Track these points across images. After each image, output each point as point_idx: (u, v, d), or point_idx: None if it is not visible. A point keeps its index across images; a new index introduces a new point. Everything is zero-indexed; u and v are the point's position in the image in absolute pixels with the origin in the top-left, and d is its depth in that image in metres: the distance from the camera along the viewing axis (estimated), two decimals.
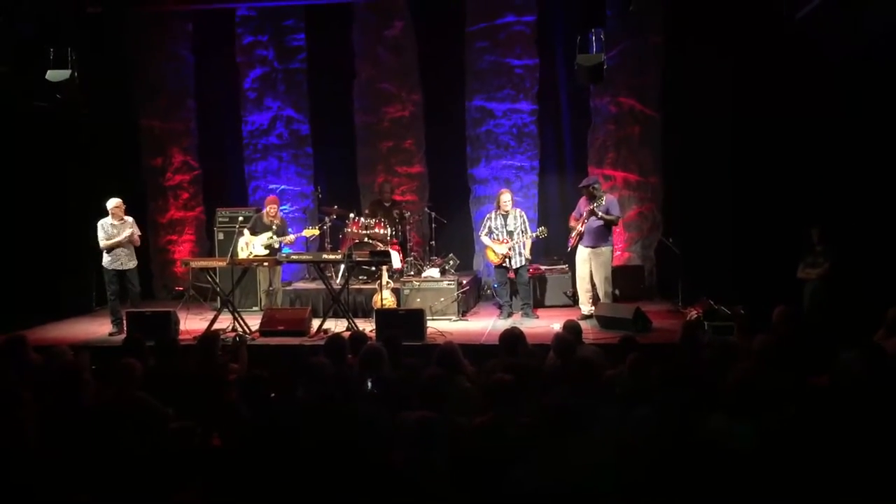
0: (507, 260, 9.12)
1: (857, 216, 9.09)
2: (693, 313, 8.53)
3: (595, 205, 8.91)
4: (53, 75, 8.59)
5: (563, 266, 10.30)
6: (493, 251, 9.18)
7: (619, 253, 10.35)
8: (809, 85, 9.46)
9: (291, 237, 10.02)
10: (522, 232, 9.07)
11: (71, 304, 10.39)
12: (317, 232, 10.23)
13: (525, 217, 9.30)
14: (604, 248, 9.03)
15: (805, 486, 3.49)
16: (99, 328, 9.27)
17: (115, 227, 8.98)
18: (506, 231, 9.14)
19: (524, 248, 9.17)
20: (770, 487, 3.50)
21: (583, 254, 9.11)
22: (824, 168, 9.41)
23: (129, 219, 9.13)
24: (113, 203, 9.00)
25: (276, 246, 9.55)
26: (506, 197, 9.26)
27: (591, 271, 9.08)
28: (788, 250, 8.93)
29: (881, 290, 6.80)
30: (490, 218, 9.31)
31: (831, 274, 8.45)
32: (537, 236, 9.09)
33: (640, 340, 6.12)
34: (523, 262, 9.18)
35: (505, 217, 9.18)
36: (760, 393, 4.00)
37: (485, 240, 9.29)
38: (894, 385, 4.28)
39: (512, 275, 9.28)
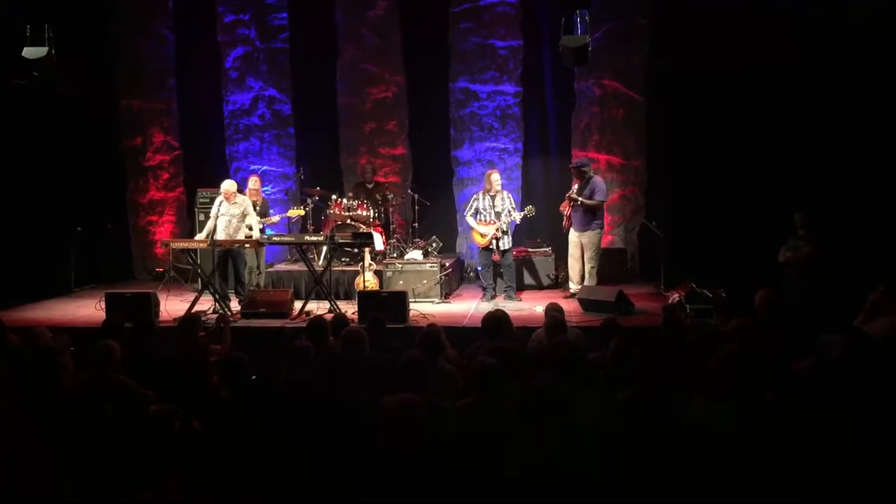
0: (493, 241, 9.08)
1: (839, 201, 9.16)
2: (675, 296, 8.56)
3: (575, 190, 8.96)
4: (30, 52, 8.45)
5: (547, 249, 10.31)
6: (479, 233, 9.15)
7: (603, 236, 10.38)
8: (797, 70, 9.51)
9: (276, 218, 9.98)
10: (509, 213, 9.05)
11: (50, 285, 10.27)
12: (302, 212, 10.19)
13: (511, 198, 9.27)
14: (590, 231, 9.11)
15: (786, 470, 3.50)
16: (77, 309, 9.18)
17: (225, 208, 8.89)
18: (493, 212, 9.09)
19: (510, 229, 9.17)
20: (751, 471, 3.51)
21: (573, 237, 9.24)
22: (808, 153, 9.48)
23: (241, 198, 9.01)
24: (222, 186, 8.89)
25: (260, 227, 9.45)
26: (495, 177, 9.20)
27: (581, 252, 9.17)
28: (771, 234, 8.98)
29: (863, 274, 6.84)
30: (477, 198, 9.24)
31: (813, 258, 8.50)
32: (525, 215, 9.06)
33: (622, 323, 6.12)
34: (509, 245, 9.17)
35: (493, 198, 9.13)
36: (742, 376, 4.00)
37: (470, 221, 9.24)
38: (875, 369, 4.31)
39: (496, 257, 9.26)
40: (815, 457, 3.48)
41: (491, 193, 9.13)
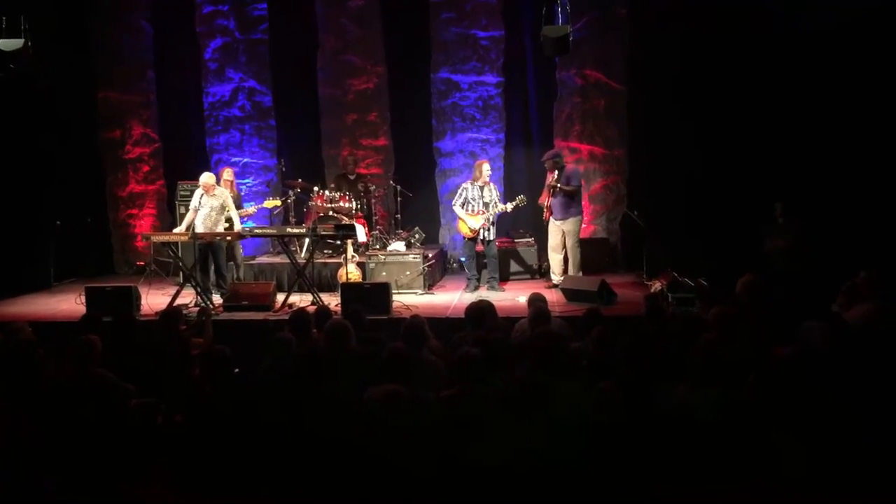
0: (481, 231, 9.08)
1: (819, 190, 9.26)
2: (657, 285, 8.60)
3: (554, 178, 8.99)
4: (6, 44, 8.34)
5: (530, 239, 10.33)
6: (466, 223, 9.13)
7: (584, 226, 10.39)
8: (774, 59, 9.59)
9: (252, 209, 9.91)
10: (496, 204, 9.06)
11: (30, 279, 10.16)
12: (279, 202, 10.13)
13: (497, 189, 9.29)
14: (571, 219, 9.16)
15: (768, 456, 3.53)
16: (58, 304, 9.10)
17: (205, 200, 8.79)
18: (482, 202, 9.09)
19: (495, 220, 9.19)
20: (733, 457, 3.54)
21: (553, 226, 9.27)
22: (788, 142, 9.56)
23: (220, 190, 8.93)
24: (201, 179, 8.80)
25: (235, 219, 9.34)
26: (486, 167, 9.18)
27: (563, 242, 9.16)
28: (752, 223, 9.05)
29: (843, 262, 6.90)
30: (466, 189, 9.20)
31: (795, 246, 8.57)
32: (517, 205, 9.06)
33: (605, 313, 6.13)
34: (494, 236, 9.19)
35: (482, 188, 9.12)
36: (723, 364, 4.03)
37: (458, 211, 9.20)
38: (854, 355, 4.34)
39: (480, 248, 9.26)
40: (796, 442, 3.51)
41: (479, 183, 9.12)
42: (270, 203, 9.99)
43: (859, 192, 9.24)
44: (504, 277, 9.90)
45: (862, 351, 4.41)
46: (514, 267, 10.22)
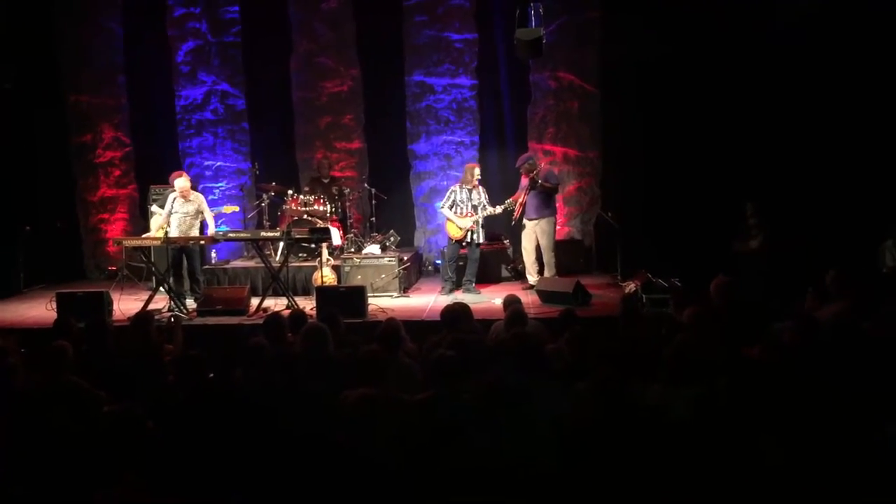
0: (469, 234, 9.09)
1: (790, 190, 9.37)
2: (631, 286, 8.65)
3: (534, 174, 9.01)
4: None
5: (505, 241, 10.35)
6: (456, 225, 9.13)
7: (558, 227, 10.42)
8: (746, 60, 9.69)
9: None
10: (484, 207, 9.07)
11: None
12: (236, 208, 10.07)
13: (485, 193, 9.28)
14: (545, 219, 9.17)
15: (738, 455, 3.56)
16: (27, 310, 8.97)
17: (179, 205, 8.79)
18: (470, 205, 9.11)
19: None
20: (705, 457, 3.56)
21: (527, 226, 9.26)
22: (761, 142, 9.67)
23: (195, 195, 8.94)
24: (177, 184, 8.77)
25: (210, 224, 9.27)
26: (476, 171, 9.22)
27: (536, 243, 9.18)
28: (725, 224, 9.14)
29: (815, 262, 6.99)
30: (454, 191, 9.22)
31: (766, 247, 8.66)
32: (505, 209, 9.08)
33: (580, 314, 6.17)
34: (482, 239, 9.21)
35: (470, 191, 9.14)
36: (695, 364, 4.06)
37: (447, 213, 9.20)
38: (824, 353, 4.39)
39: (465, 250, 9.27)
40: (769, 439, 3.54)
41: (468, 186, 9.14)
42: (228, 209, 9.93)
43: (830, 192, 9.36)
44: (494, 279, 9.93)
45: (832, 350, 4.46)
46: (490, 269, 10.15)
